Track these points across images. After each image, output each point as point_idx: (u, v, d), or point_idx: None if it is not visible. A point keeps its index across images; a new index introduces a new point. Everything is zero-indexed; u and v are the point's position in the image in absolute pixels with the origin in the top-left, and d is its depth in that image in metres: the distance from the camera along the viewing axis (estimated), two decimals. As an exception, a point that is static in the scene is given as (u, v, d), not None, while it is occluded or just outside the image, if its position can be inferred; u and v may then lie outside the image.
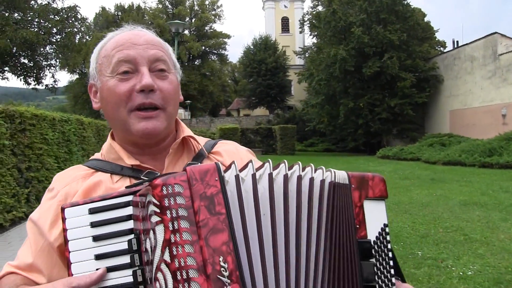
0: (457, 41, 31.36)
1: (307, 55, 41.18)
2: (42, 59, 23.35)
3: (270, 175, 0.88)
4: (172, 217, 0.78)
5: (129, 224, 0.91)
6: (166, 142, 1.15)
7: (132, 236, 0.90)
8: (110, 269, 0.89)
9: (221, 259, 0.77)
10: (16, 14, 22.08)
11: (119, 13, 38.88)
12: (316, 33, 36.99)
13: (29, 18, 22.33)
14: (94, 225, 0.92)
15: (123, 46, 1.07)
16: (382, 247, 0.98)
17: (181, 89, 1.17)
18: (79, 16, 23.53)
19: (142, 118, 1.05)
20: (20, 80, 22.67)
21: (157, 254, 0.79)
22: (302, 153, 35.40)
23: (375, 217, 0.98)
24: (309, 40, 44.40)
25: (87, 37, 29.49)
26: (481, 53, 25.31)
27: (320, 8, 38.98)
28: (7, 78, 22.89)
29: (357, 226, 0.95)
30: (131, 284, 0.87)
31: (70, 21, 23.27)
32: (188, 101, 41.56)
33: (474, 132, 23.82)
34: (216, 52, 53.46)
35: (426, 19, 34.53)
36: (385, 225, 0.99)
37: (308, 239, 0.89)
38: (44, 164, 11.43)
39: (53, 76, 24.02)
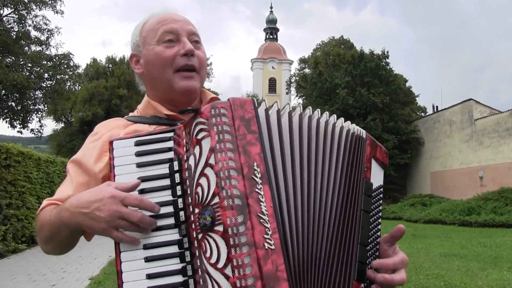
0: (437, 106, 32.33)
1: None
2: (30, 103, 23.31)
3: (290, 113, 1.10)
4: (218, 130, 0.98)
5: (170, 155, 1.06)
6: (195, 103, 1.37)
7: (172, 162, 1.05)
8: (152, 190, 1.03)
9: (255, 164, 0.97)
10: (8, 59, 22.30)
11: (110, 65, 39.28)
12: (302, 93, 37.90)
13: (22, 63, 22.52)
14: (138, 154, 1.07)
15: (167, 21, 1.31)
16: (377, 199, 1.18)
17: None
18: (72, 64, 23.82)
19: (184, 78, 1.28)
20: (6, 122, 22.50)
21: (202, 162, 0.98)
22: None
23: (375, 176, 1.19)
24: (295, 100, 45.41)
25: (77, 86, 29.55)
26: (458, 118, 26.18)
27: (306, 70, 40.21)
28: (-9, 120, 22.64)
29: (365, 169, 1.16)
30: (171, 201, 1.02)
31: (63, 68, 23.46)
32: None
33: (454, 193, 24.20)
34: (203, 108, 54.04)
35: (407, 85, 35.71)
36: (381, 186, 1.20)
37: (324, 164, 1.11)
38: (26, 203, 11.26)
39: (40, 121, 23.58)
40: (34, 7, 22.54)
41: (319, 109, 1.17)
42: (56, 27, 23.37)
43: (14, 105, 22.95)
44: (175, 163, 1.04)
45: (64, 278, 7.73)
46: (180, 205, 1.01)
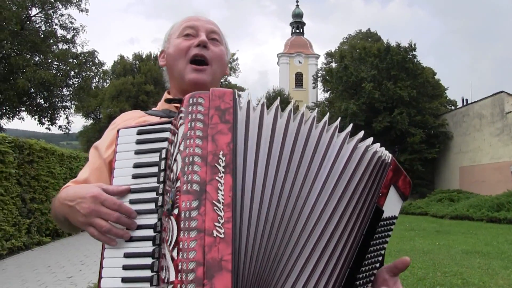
0: (466, 99, 31.56)
1: (319, 110, 41.55)
2: (57, 100, 23.94)
3: (277, 108, 1.07)
4: (191, 118, 1.01)
5: (165, 144, 1.11)
6: None
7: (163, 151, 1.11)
8: (142, 176, 1.10)
9: (221, 153, 0.97)
10: (37, 58, 22.93)
11: (137, 62, 39.82)
12: (328, 88, 37.61)
13: (49, 61, 23.09)
14: (138, 142, 1.15)
15: (191, 19, 1.47)
16: (385, 229, 1.13)
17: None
18: (97, 61, 24.31)
19: (194, 70, 1.40)
20: (35, 119, 23.16)
21: (176, 149, 1.02)
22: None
23: (390, 205, 1.14)
24: (322, 95, 45.14)
25: (103, 83, 30.12)
26: (489, 111, 25.50)
27: (333, 64, 39.86)
28: (22, 118, 23.48)
29: (380, 194, 1.11)
30: (154, 188, 1.07)
31: (88, 65, 23.99)
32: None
33: (483, 188, 23.57)
34: (230, 104, 54.08)
35: (436, 77, 35.00)
36: (394, 217, 1.15)
37: (309, 169, 1.06)
38: (49, 197, 11.52)
39: (67, 118, 24.21)
40: (60, 6, 23.08)
41: (315, 112, 1.13)
42: (81, 25, 23.91)
43: (42, 102, 23.65)
44: (164, 151, 1.09)
45: (82, 270, 7.95)
46: (160, 191, 1.05)
